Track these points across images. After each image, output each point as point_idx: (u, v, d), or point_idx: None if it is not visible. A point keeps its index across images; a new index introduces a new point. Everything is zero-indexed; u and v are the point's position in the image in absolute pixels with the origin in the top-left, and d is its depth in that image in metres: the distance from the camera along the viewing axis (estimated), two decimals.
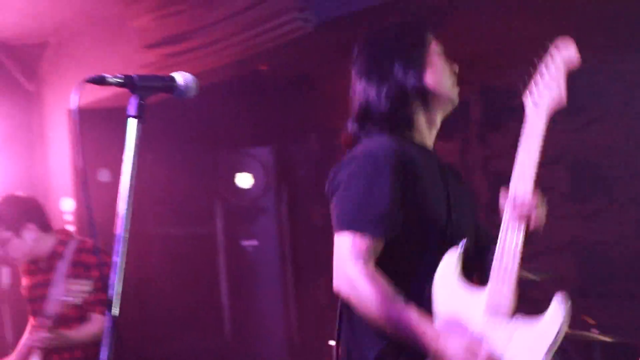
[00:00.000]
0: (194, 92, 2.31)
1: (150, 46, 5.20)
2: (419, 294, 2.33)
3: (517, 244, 2.27)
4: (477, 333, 2.23)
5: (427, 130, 2.57)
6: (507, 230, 2.30)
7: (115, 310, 2.04)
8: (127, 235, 2.12)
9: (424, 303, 2.31)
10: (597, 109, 5.09)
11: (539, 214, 2.32)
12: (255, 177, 6.14)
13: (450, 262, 2.36)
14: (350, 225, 2.38)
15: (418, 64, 2.52)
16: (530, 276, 3.84)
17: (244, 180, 6.15)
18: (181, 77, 2.27)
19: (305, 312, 6.24)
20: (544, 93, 2.38)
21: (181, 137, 6.07)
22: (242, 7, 4.71)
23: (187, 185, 6.17)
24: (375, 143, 2.43)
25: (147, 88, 2.20)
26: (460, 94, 2.58)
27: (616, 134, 5.04)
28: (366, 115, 2.56)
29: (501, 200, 2.36)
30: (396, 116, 2.50)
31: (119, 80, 2.17)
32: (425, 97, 2.52)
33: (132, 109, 2.19)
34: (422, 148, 2.53)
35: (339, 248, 2.42)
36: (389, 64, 2.54)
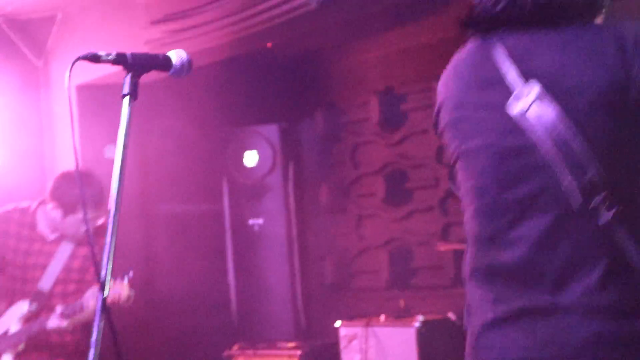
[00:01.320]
0: (189, 70, 2.27)
1: (156, 22, 5.16)
2: None
3: None
4: None
5: None
6: None
7: (106, 292, 2.02)
8: (118, 215, 2.07)
9: None
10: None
11: None
12: (261, 155, 6.11)
13: None
14: None
15: None
16: None
17: (251, 158, 6.12)
18: (176, 56, 2.24)
19: (311, 292, 6.23)
20: None
21: (188, 114, 6.04)
22: None
23: (194, 163, 6.15)
24: None
25: (141, 66, 2.17)
26: None
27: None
28: None
29: None
30: None
31: (112, 58, 2.13)
32: None
33: (125, 87, 2.15)
34: None
35: None
36: None
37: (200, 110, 6.08)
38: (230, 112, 6.22)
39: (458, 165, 1.99)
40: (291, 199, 6.22)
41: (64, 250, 4.25)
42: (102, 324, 2.00)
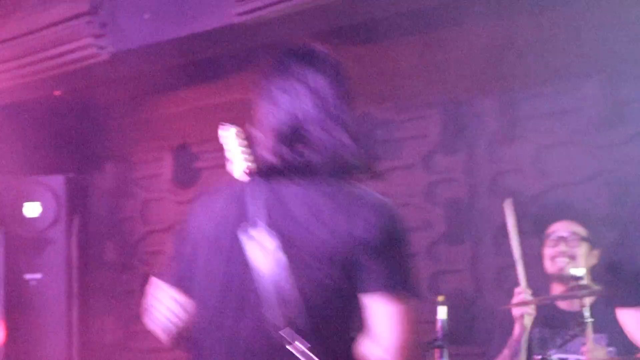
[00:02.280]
0: None
1: None
2: None
3: None
4: None
5: None
6: None
7: None
8: None
9: None
10: None
11: None
12: (44, 206, 5.78)
13: None
14: None
15: None
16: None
17: (32, 209, 5.78)
18: None
19: (90, 354, 5.93)
20: None
21: None
22: (40, 25, 4.45)
23: None
24: None
25: None
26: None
27: None
28: None
29: None
30: None
31: None
32: None
33: None
34: None
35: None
36: None
37: None
38: (12, 160, 5.86)
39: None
40: (74, 253, 5.92)
41: None
42: None
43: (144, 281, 5.85)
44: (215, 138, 5.90)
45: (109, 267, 6.14)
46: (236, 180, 2.18)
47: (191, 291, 2.20)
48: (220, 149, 5.81)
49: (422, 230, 4.96)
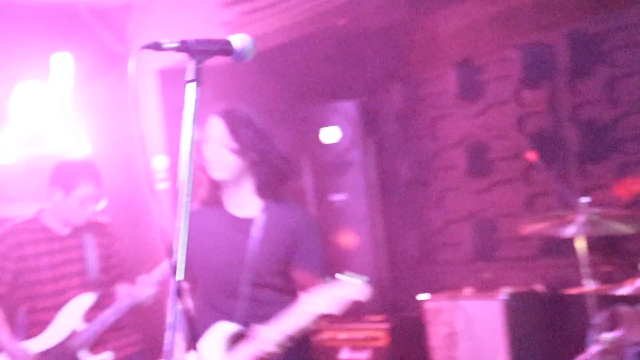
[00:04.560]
0: (252, 54, 2.28)
1: (230, 4, 5.19)
2: None
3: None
4: None
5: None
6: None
7: (180, 276, 2.05)
8: (190, 200, 2.11)
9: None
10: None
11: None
12: (341, 131, 6.10)
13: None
14: None
15: None
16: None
17: (330, 134, 6.12)
18: (238, 40, 2.25)
19: (396, 266, 6.22)
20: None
21: (266, 93, 6.07)
22: None
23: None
24: None
25: (204, 52, 2.18)
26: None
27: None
28: None
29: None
30: None
31: (174, 45, 2.16)
32: None
33: (189, 73, 2.17)
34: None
35: None
36: None
37: (279, 88, 6.10)
38: (309, 89, 6.22)
39: None
40: (372, 174, 6.20)
41: (88, 242, 4.33)
42: (177, 306, 2.04)
43: (439, 196, 6.06)
44: (496, 49, 5.91)
45: (405, 184, 6.35)
46: None
47: None
48: (502, 59, 5.81)
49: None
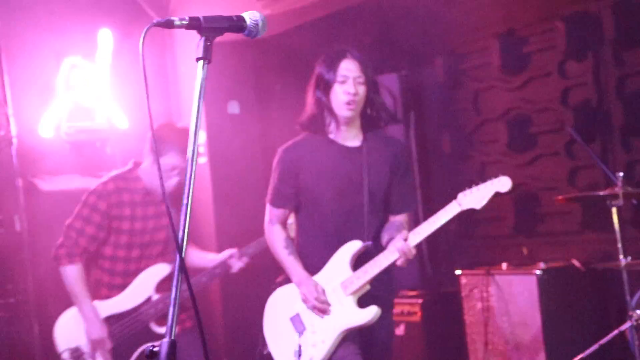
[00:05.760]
0: (263, 30, 2.28)
1: None
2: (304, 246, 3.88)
3: (381, 266, 3.67)
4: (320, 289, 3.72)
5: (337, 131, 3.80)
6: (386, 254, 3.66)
7: (184, 253, 2.05)
8: (194, 177, 2.11)
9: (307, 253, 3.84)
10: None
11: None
12: None
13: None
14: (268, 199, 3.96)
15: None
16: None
17: None
18: (250, 17, 2.25)
19: (435, 240, 6.19)
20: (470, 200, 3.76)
21: (308, 65, 6.05)
22: None
23: None
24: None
25: (215, 29, 2.19)
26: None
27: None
28: None
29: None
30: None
31: (185, 23, 2.17)
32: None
33: (199, 50, 2.19)
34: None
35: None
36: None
37: None
38: None
39: None
40: (413, 148, 6.17)
41: (173, 212, 4.24)
42: (180, 283, 2.05)
43: (480, 170, 5.98)
44: (541, 20, 5.78)
45: (447, 157, 6.29)
46: None
47: None
48: (547, 30, 5.71)
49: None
